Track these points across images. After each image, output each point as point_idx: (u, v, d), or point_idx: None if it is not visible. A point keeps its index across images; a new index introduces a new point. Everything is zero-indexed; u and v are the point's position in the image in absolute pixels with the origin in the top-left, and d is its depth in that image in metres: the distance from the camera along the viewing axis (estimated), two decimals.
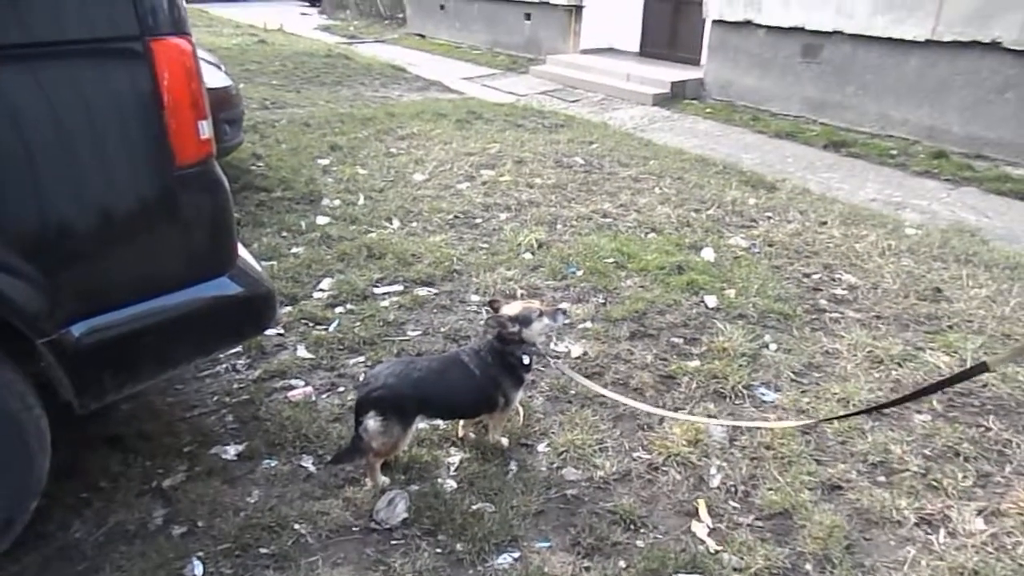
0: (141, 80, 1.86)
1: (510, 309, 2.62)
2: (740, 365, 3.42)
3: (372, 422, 2.39)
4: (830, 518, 2.50)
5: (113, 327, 2.00)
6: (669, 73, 9.66)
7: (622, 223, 5.19)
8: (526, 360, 2.62)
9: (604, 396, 2.89)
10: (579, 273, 4.34)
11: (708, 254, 4.68)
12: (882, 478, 2.74)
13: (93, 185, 1.91)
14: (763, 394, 3.25)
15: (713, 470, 2.77)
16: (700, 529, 2.49)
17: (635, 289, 4.17)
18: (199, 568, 2.22)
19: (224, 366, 3.29)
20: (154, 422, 2.90)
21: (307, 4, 21.53)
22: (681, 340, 3.68)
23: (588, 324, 3.78)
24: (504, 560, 2.31)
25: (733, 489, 2.67)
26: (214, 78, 5.01)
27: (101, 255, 1.98)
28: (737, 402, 3.20)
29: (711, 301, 4.06)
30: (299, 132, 6.99)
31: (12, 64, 1.71)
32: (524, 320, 2.59)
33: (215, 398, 3.07)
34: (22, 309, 1.84)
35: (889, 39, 7.47)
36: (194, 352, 2.31)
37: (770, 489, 2.65)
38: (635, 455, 2.84)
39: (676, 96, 9.36)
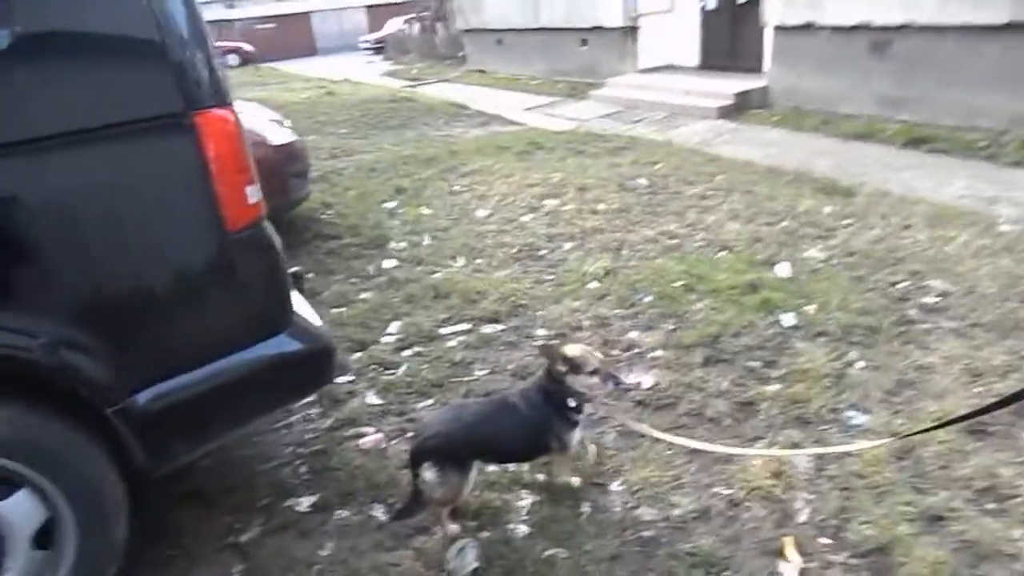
0: (188, 153, 1.93)
1: (570, 349, 2.55)
2: (824, 387, 3.23)
3: (429, 473, 2.36)
4: (933, 553, 2.29)
5: (177, 392, 2.06)
6: (732, 84, 9.46)
7: (690, 243, 5.05)
8: (571, 403, 2.53)
9: (669, 442, 2.75)
10: (648, 299, 4.23)
11: (783, 269, 4.48)
12: (991, 506, 2.50)
13: (150, 258, 1.98)
14: (850, 417, 3.05)
15: (799, 503, 2.60)
16: (788, 570, 2.33)
17: (707, 312, 4.02)
18: None
19: (298, 416, 3.35)
20: (233, 475, 2.97)
21: (372, 52, 22.32)
22: (758, 363, 3.51)
23: (659, 352, 3.66)
24: None
25: (823, 524, 2.50)
26: (279, 135, 5.21)
27: (163, 324, 2.05)
28: (822, 427, 3.01)
29: (788, 319, 3.87)
30: (365, 178, 7.18)
31: (66, 150, 1.80)
32: (575, 366, 2.49)
33: (290, 449, 3.12)
34: (91, 381, 1.92)
35: (964, 27, 7.07)
36: (258, 410, 2.36)
37: (864, 522, 2.46)
38: (714, 491, 2.71)
39: (741, 107, 9.15)
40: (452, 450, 2.38)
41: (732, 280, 4.32)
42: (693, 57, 10.96)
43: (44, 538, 1.99)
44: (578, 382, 2.50)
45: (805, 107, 8.76)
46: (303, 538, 2.60)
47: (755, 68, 9.72)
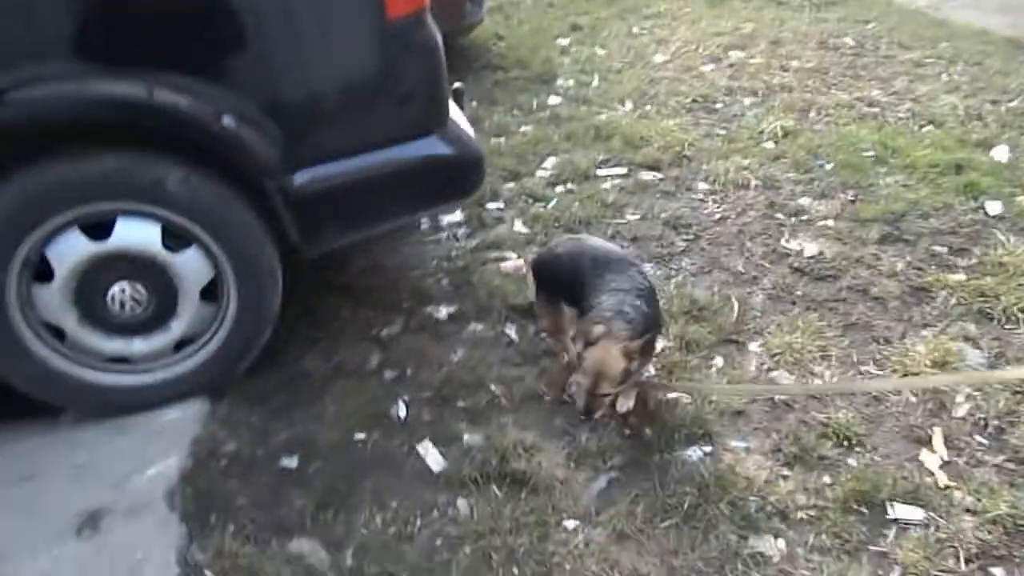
0: None
1: (596, 353, 2.01)
2: (1020, 284, 2.83)
3: (531, 294, 2.36)
4: None
5: (331, 177, 2.13)
6: None
7: (891, 113, 4.47)
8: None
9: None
10: (828, 167, 3.83)
11: (1001, 153, 3.87)
12: None
13: (313, 39, 1.99)
14: None
15: (960, 398, 2.35)
16: (931, 460, 2.15)
17: (895, 188, 3.59)
18: (403, 410, 2.40)
19: (445, 234, 3.42)
20: (379, 278, 3.11)
21: None
22: (945, 249, 3.12)
23: (830, 222, 3.34)
24: (694, 453, 2.19)
25: (982, 423, 2.26)
26: None
27: (321, 108, 2.09)
28: (1008, 327, 2.67)
29: (994, 208, 3.38)
30: (542, 12, 6.86)
31: None
32: (579, 362, 2.10)
33: (434, 262, 3.22)
34: (257, 156, 2.02)
35: None
36: (402, 209, 2.41)
37: None
38: (863, 369, 2.51)
39: None
40: (543, 279, 2.37)
41: (934, 157, 3.80)
42: None
43: (210, 294, 2.20)
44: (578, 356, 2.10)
45: None
46: (438, 341, 2.71)
47: None
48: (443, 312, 2.89)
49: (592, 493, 2.09)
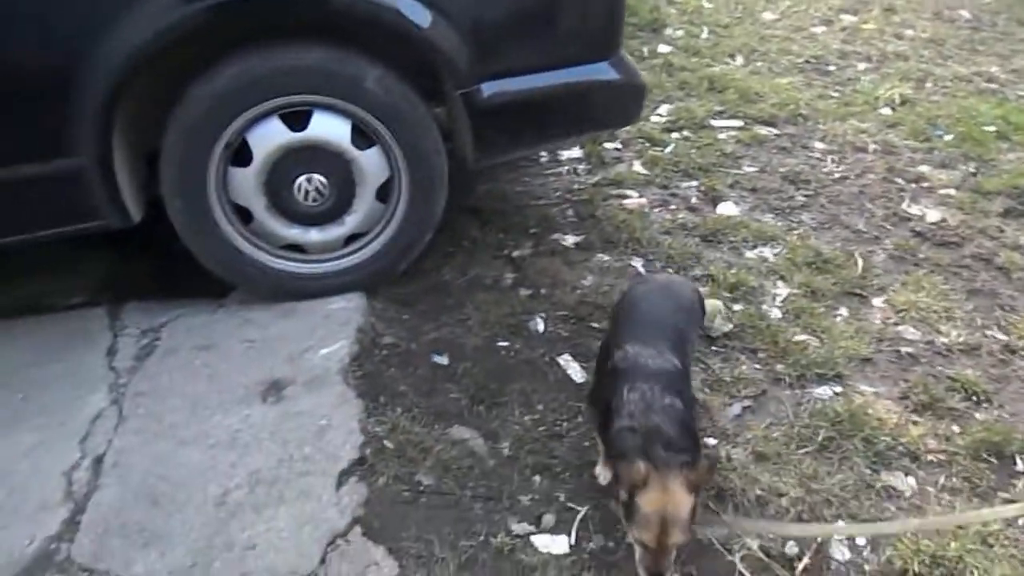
0: None
1: (651, 499, 1.52)
2: None
3: None
4: None
5: (515, 93, 2.21)
6: None
7: (1011, 90, 4.39)
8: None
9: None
10: (947, 138, 3.81)
11: None
12: None
13: None
14: None
15: None
16: None
17: (1018, 164, 3.57)
18: (541, 325, 2.52)
19: (566, 168, 3.51)
20: (505, 203, 3.22)
21: None
22: None
23: (952, 192, 3.35)
24: (824, 391, 2.29)
25: None
26: None
27: (515, 22, 2.18)
28: None
29: None
30: None
31: None
32: (630, 509, 1.56)
33: (557, 193, 3.31)
34: (452, 62, 2.11)
35: None
36: (568, 128, 2.49)
37: None
38: (988, 332, 2.57)
39: None
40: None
41: None
42: None
43: (382, 194, 2.33)
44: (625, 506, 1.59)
45: None
46: (568, 266, 2.82)
47: None
48: (570, 240, 2.99)
49: (728, 416, 2.20)
